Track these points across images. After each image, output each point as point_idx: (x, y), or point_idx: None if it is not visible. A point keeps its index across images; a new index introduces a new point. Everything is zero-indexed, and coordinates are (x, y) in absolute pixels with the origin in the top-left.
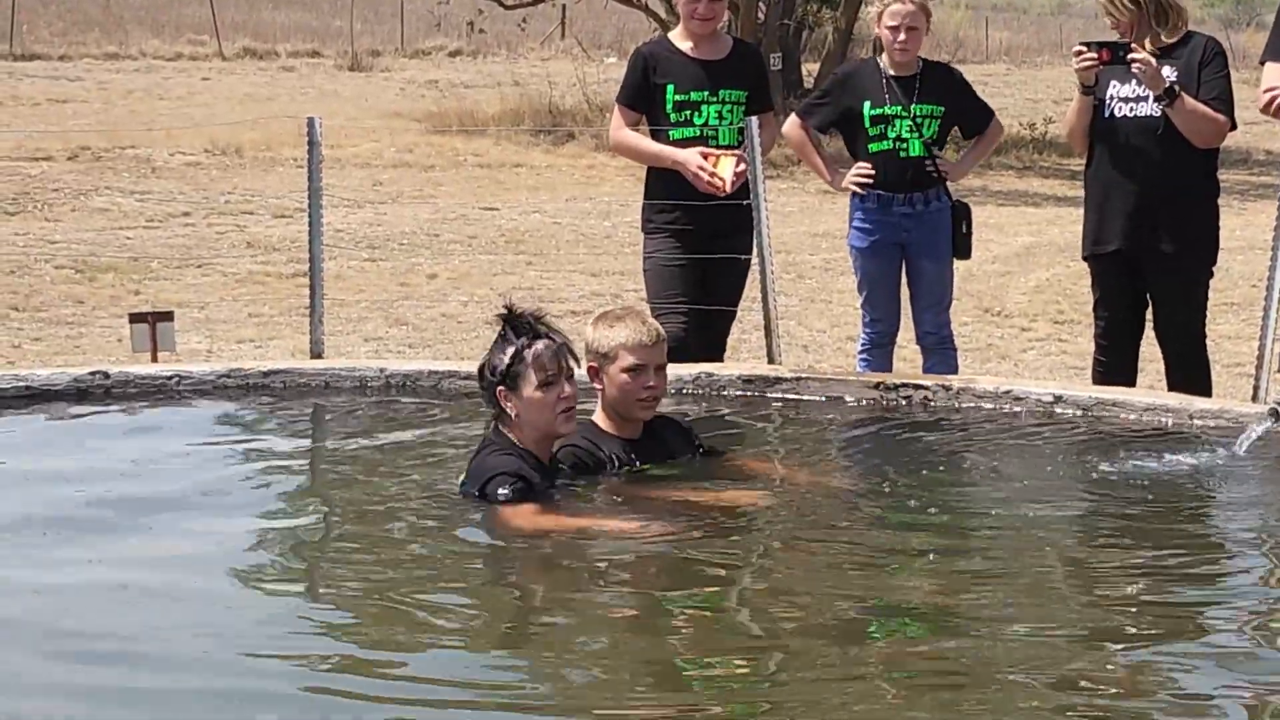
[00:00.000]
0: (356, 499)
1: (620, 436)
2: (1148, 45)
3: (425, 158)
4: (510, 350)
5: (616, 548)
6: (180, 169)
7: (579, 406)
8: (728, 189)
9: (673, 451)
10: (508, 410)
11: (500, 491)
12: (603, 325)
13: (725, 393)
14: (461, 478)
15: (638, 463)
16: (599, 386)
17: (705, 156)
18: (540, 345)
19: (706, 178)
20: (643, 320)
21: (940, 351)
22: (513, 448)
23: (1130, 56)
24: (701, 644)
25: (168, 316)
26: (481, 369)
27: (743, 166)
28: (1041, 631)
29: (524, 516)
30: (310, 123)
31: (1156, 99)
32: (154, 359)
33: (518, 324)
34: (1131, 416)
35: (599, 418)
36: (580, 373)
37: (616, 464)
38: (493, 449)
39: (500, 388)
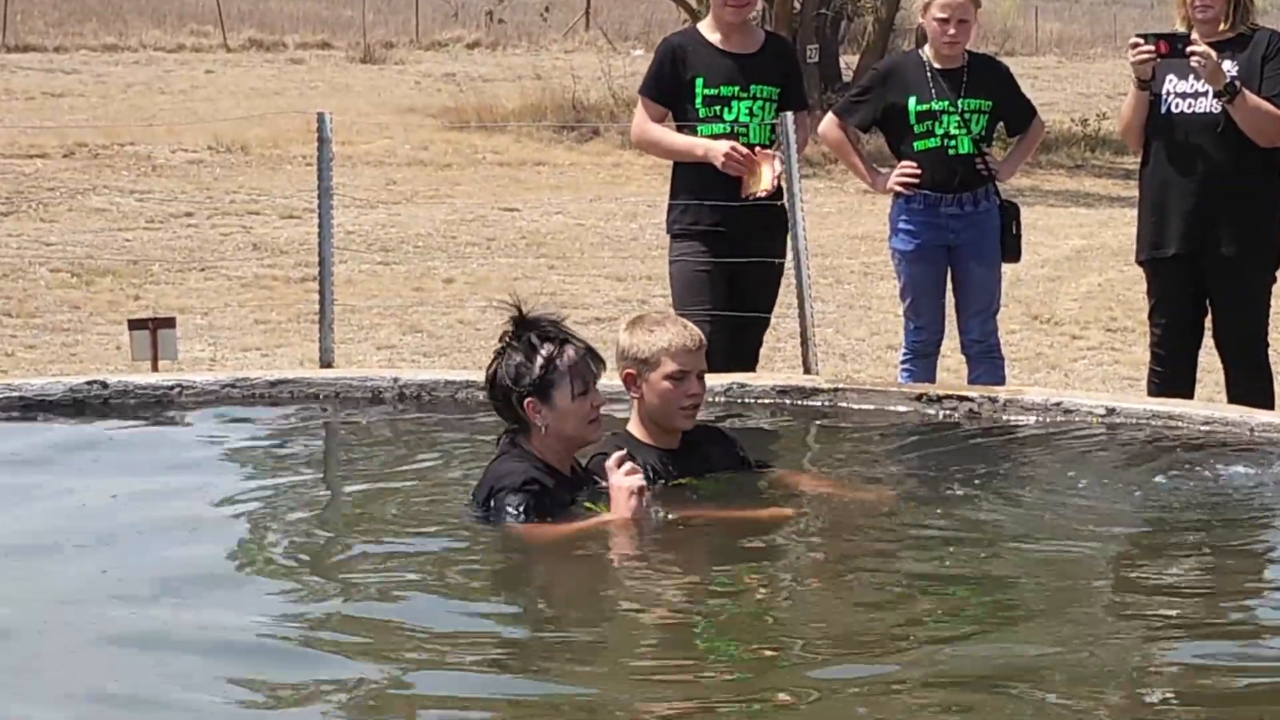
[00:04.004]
0: (368, 515)
1: (657, 447)
2: (1222, 27)
3: (441, 155)
4: (540, 358)
5: (638, 564)
6: (182, 167)
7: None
8: (768, 190)
9: (712, 464)
10: (535, 423)
11: (510, 501)
12: (641, 330)
13: (759, 404)
14: (474, 489)
15: (675, 475)
16: (636, 395)
17: (745, 158)
18: (571, 351)
19: (738, 161)
20: (684, 325)
21: (987, 361)
22: (527, 457)
23: (1189, 49)
24: (732, 665)
25: (169, 323)
26: (494, 380)
27: (781, 168)
28: (1090, 658)
29: (529, 531)
30: (320, 118)
31: (1216, 94)
32: (154, 368)
33: (543, 330)
34: (1189, 430)
35: (635, 427)
36: (606, 381)
37: (652, 476)
38: (505, 458)
39: (530, 399)
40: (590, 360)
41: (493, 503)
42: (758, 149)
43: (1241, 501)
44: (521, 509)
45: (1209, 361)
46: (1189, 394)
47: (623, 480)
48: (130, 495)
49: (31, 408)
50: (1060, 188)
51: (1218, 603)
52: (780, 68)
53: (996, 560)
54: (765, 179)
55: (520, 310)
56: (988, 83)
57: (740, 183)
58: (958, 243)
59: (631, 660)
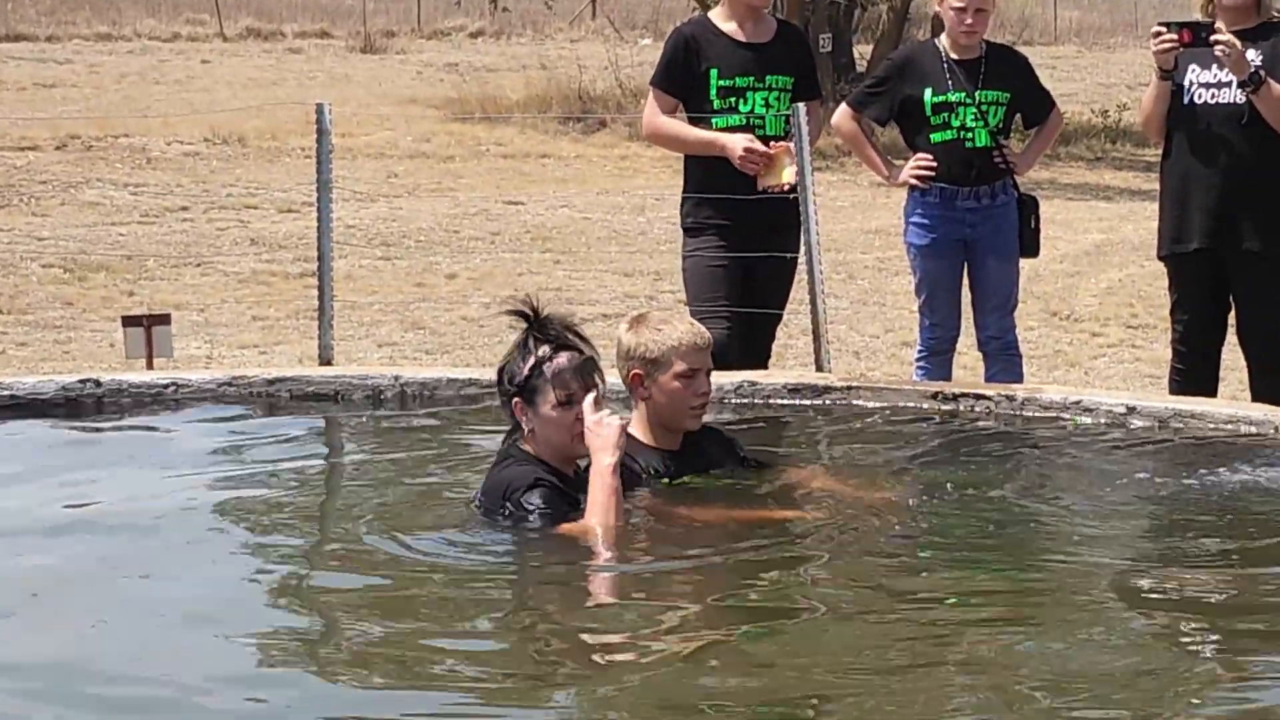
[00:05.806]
0: (369, 518)
1: (659, 448)
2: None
3: (444, 147)
4: (530, 361)
5: (648, 566)
6: (178, 159)
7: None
8: (789, 183)
9: (714, 464)
10: (523, 424)
11: (529, 499)
12: (647, 329)
13: (770, 402)
14: (476, 492)
15: (679, 476)
16: (644, 396)
17: (763, 156)
18: (563, 359)
19: (754, 161)
20: (691, 322)
21: (1004, 358)
22: (531, 460)
23: (1213, 38)
24: (739, 669)
25: (164, 319)
26: (500, 373)
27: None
28: (1103, 663)
29: (562, 527)
30: (319, 109)
31: (1240, 85)
32: (149, 366)
33: (544, 331)
34: (1211, 428)
35: (636, 429)
36: (606, 386)
37: (654, 477)
38: (509, 462)
39: (517, 400)
40: (585, 372)
41: (509, 506)
42: (774, 143)
43: (1265, 501)
44: (542, 505)
45: (1232, 359)
46: (1212, 392)
47: (595, 417)
48: (124, 496)
49: (23, 407)
50: (1079, 181)
51: (1239, 603)
52: (795, 57)
53: (1012, 561)
54: (785, 173)
55: (534, 309)
56: (1006, 74)
57: (756, 176)
58: (974, 237)
59: (636, 668)
